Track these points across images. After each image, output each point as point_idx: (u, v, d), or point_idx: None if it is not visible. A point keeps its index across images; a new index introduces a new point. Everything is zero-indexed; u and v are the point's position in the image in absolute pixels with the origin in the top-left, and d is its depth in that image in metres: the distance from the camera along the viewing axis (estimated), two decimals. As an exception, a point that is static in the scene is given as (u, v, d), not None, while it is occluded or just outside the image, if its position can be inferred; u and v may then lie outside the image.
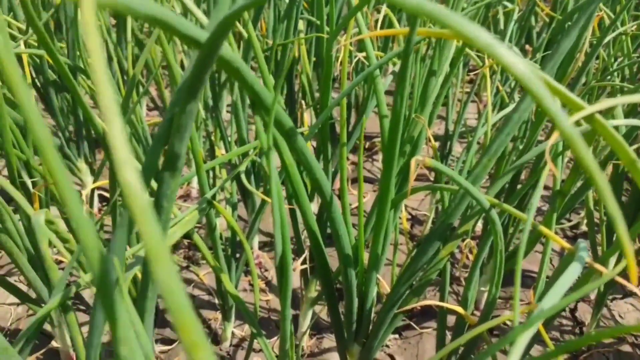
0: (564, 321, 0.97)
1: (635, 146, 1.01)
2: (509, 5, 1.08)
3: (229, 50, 0.33)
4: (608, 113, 0.82)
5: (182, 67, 1.49)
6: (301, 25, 1.12)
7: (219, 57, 0.33)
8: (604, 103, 0.38)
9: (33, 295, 0.89)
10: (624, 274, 0.98)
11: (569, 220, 1.21)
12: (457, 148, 1.43)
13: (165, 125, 0.36)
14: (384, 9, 0.74)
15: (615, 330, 0.36)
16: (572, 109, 0.38)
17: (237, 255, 0.92)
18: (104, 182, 0.75)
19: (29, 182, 0.85)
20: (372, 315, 0.76)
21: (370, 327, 0.72)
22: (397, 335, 0.96)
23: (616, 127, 0.79)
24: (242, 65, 0.34)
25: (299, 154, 0.46)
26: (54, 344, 0.89)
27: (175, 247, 1.13)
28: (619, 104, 0.36)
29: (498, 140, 0.52)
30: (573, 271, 0.40)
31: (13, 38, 0.95)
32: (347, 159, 1.36)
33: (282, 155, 0.54)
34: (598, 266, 0.40)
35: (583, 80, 0.93)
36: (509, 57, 0.23)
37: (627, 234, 0.29)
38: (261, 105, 0.40)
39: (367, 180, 1.33)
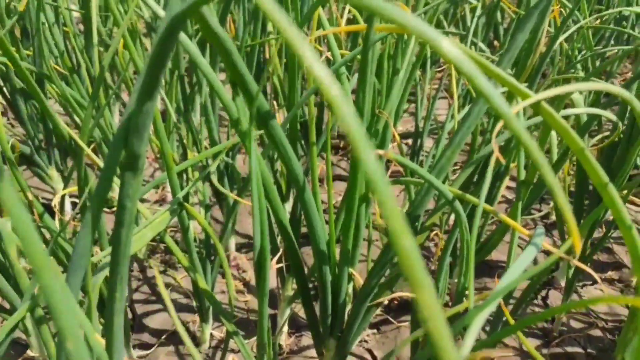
0: (537, 309, 1.00)
1: (599, 136, 1.04)
2: (473, 2, 1.10)
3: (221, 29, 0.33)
4: (569, 103, 0.84)
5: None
6: (270, 26, 1.12)
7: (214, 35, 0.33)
8: (551, 91, 0.39)
9: (7, 305, 0.88)
10: (592, 262, 1.00)
11: (540, 211, 1.24)
12: (429, 144, 1.45)
13: (124, 125, 0.36)
14: (348, 7, 0.75)
15: (570, 305, 0.37)
16: (522, 98, 0.40)
17: (213, 257, 0.92)
18: (73, 188, 0.74)
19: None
20: (347, 309, 0.77)
21: (345, 321, 0.73)
22: (375, 330, 0.97)
23: (578, 116, 0.81)
24: (227, 42, 0.35)
25: (277, 144, 0.46)
26: (29, 353, 0.88)
27: (152, 252, 1.13)
28: (565, 91, 0.38)
29: (460, 132, 0.54)
30: (528, 254, 0.41)
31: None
32: (322, 157, 1.37)
33: (247, 147, 0.55)
34: (551, 248, 0.41)
35: (546, 73, 0.95)
36: (436, 37, 0.23)
37: (567, 202, 0.30)
38: (242, 88, 0.40)
39: (343, 178, 1.34)
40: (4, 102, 1.17)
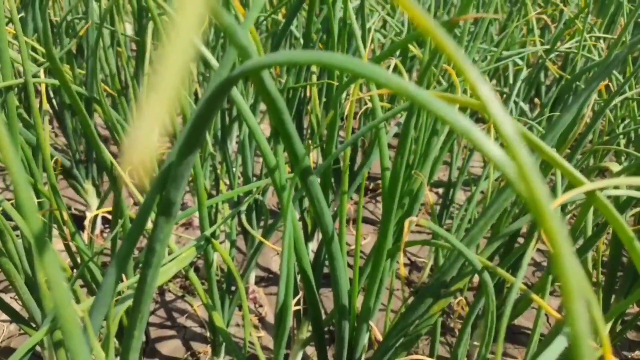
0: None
1: (637, 209, 1.01)
2: (519, 62, 1.10)
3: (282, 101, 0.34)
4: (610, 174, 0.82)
5: (197, 95, 1.52)
6: (314, 67, 1.14)
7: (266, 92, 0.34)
8: (604, 182, 0.38)
9: (26, 314, 0.90)
10: (622, 340, 0.96)
11: (569, 278, 1.20)
12: (461, 196, 1.43)
13: (164, 173, 0.37)
14: (394, 61, 0.76)
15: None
16: (573, 183, 0.39)
17: (233, 288, 0.92)
18: (107, 209, 0.76)
19: (35, 202, 0.86)
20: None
21: (358, 377, 0.72)
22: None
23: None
24: (280, 102, 0.35)
25: (313, 198, 0.46)
26: (42, 365, 0.89)
27: (173, 276, 1.13)
28: (620, 184, 0.37)
29: (496, 204, 0.53)
30: (557, 346, 0.40)
31: (35, 61, 0.98)
32: (351, 198, 1.37)
33: (282, 198, 0.55)
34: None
35: (588, 140, 0.93)
36: (488, 144, 0.23)
37: (603, 319, 0.29)
38: (287, 146, 0.41)
39: (369, 221, 1.33)
40: (50, 111, 1.22)
